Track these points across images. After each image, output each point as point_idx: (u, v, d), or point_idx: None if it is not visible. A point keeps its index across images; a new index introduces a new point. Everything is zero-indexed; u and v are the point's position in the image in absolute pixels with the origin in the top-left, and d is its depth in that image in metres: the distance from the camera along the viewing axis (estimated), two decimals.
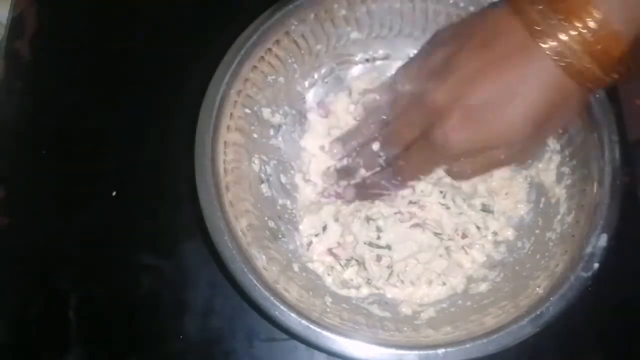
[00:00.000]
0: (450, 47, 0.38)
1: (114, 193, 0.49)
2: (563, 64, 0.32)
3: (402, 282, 0.44)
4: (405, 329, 0.40)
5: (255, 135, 0.45)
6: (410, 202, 0.45)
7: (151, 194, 0.50)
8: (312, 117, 0.49)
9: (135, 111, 0.51)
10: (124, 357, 0.46)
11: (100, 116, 0.51)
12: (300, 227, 0.46)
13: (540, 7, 0.32)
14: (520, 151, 0.38)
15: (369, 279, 0.44)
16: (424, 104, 0.37)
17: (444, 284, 0.44)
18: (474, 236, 0.45)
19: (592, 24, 0.31)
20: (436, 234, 0.44)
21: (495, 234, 0.45)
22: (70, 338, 0.46)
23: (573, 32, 0.32)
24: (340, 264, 0.44)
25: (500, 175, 0.47)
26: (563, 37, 0.32)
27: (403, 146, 0.41)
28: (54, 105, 0.52)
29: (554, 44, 0.32)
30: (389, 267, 0.44)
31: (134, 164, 0.50)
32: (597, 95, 0.40)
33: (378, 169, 0.45)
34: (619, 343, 0.46)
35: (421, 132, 0.39)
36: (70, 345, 0.46)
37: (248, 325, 0.46)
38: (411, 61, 0.45)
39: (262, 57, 0.43)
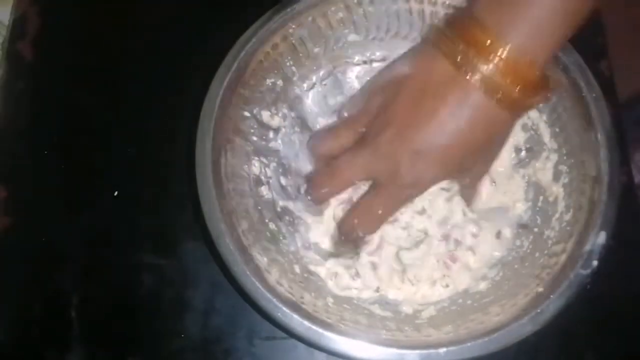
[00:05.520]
0: (386, 95, 0.40)
1: (115, 193, 0.49)
2: (493, 95, 0.35)
3: (402, 281, 0.44)
4: (406, 328, 0.40)
5: (254, 138, 0.45)
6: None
7: (152, 193, 0.50)
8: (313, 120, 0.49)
9: (137, 112, 0.52)
10: (125, 356, 0.46)
11: (101, 117, 0.52)
12: (308, 232, 0.46)
13: (461, 46, 0.35)
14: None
15: (370, 281, 0.44)
16: (371, 150, 0.40)
17: (447, 285, 0.44)
18: (472, 235, 0.45)
19: (504, 56, 0.34)
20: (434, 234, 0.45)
21: (493, 232, 0.45)
22: (72, 337, 0.46)
23: (490, 66, 0.34)
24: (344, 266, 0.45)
25: (498, 174, 0.47)
26: (484, 70, 0.35)
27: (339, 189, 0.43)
28: (56, 105, 0.52)
29: (478, 77, 0.35)
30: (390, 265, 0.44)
31: (135, 164, 0.50)
32: (594, 95, 0.40)
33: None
34: (618, 342, 0.47)
35: (369, 177, 0.41)
36: (71, 344, 0.46)
37: (248, 324, 0.46)
38: (352, 102, 0.46)
39: (261, 61, 0.43)
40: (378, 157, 0.39)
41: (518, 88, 0.35)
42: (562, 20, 0.35)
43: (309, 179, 0.45)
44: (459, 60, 0.35)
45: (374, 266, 0.44)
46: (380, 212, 0.42)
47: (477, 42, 0.35)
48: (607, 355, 0.46)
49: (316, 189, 0.44)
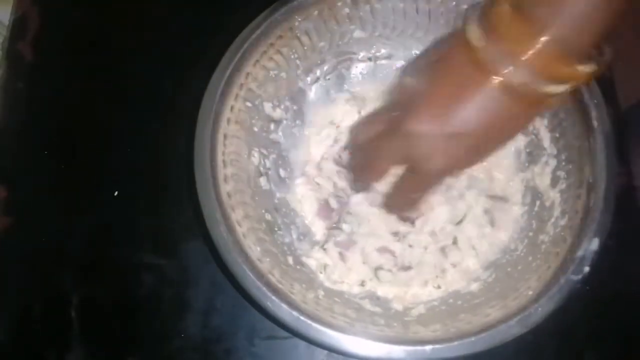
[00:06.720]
0: (417, 78, 0.38)
1: (115, 193, 0.50)
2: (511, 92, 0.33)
3: (394, 279, 0.44)
4: (394, 324, 0.40)
5: (255, 129, 0.45)
6: None
7: (152, 193, 0.50)
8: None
9: (136, 112, 0.52)
10: (125, 356, 0.46)
11: (101, 116, 0.52)
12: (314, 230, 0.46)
13: (490, 45, 0.33)
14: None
15: (360, 275, 0.44)
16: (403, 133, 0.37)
17: (439, 287, 0.44)
18: (468, 237, 0.45)
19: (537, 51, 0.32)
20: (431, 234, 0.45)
21: (489, 235, 0.45)
22: (72, 337, 0.46)
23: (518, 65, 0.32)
24: (339, 258, 0.45)
25: (497, 177, 0.47)
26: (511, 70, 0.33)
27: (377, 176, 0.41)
28: (56, 106, 0.52)
29: (504, 78, 0.33)
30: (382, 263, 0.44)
31: (135, 164, 0.50)
32: (596, 101, 0.40)
33: None
34: (618, 341, 0.47)
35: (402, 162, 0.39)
36: (72, 344, 0.46)
37: (249, 323, 0.46)
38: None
39: (265, 52, 0.43)
40: (410, 141, 0.36)
41: (541, 82, 0.32)
42: (602, 16, 0.32)
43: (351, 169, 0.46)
44: (484, 56, 0.33)
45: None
46: (412, 196, 0.40)
47: (510, 36, 0.32)
48: (607, 355, 0.46)
49: (357, 180, 0.45)
